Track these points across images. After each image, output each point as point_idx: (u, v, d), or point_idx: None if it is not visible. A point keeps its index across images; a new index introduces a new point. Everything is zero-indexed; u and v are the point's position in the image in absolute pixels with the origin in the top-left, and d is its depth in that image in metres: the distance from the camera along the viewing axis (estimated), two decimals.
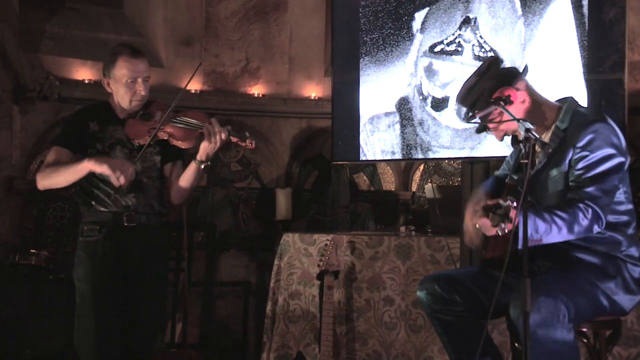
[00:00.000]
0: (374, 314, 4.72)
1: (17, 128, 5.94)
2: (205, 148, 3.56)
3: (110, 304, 3.59)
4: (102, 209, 3.62)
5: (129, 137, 3.63)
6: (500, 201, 2.81)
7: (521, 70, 3.31)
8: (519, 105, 3.23)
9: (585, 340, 3.27)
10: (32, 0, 6.15)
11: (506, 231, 2.84)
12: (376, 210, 6.65)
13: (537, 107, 3.27)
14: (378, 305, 4.71)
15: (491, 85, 3.22)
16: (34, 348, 5.11)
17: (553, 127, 3.25)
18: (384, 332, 4.69)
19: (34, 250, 5.33)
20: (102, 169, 3.48)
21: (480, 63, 3.44)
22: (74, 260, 3.67)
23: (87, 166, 3.51)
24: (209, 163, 3.61)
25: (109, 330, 3.57)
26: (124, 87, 3.61)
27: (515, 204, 2.81)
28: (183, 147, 3.62)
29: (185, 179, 3.67)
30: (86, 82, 6.14)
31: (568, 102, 3.29)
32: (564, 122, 3.23)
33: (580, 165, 3.12)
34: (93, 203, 3.63)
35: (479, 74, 3.27)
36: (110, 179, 3.48)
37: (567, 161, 3.16)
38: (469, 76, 3.31)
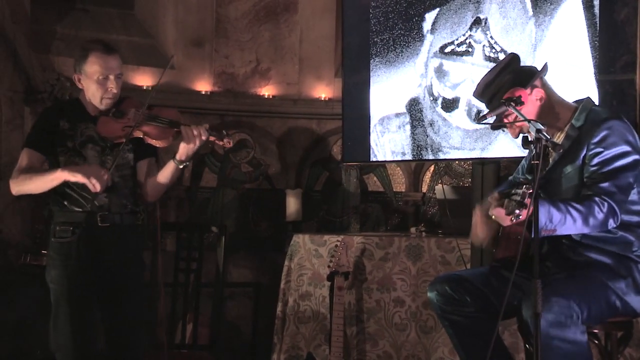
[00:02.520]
0: (384, 315, 4.72)
1: (28, 129, 5.94)
2: (185, 149, 3.52)
3: (86, 307, 3.51)
4: (76, 208, 3.54)
5: (100, 135, 3.55)
6: (516, 188, 2.81)
7: (540, 69, 3.30)
8: (535, 102, 3.22)
9: (596, 342, 3.26)
10: (43, 2, 6.16)
11: (520, 218, 2.82)
12: (386, 211, 6.64)
13: (552, 107, 3.25)
14: (388, 307, 4.70)
15: (510, 80, 3.21)
16: (45, 349, 5.12)
17: (568, 125, 3.23)
18: (394, 333, 4.68)
19: (45, 251, 5.34)
20: (76, 178, 3.42)
21: (491, 63, 3.43)
22: (47, 261, 3.59)
23: (61, 176, 3.45)
24: (187, 163, 3.59)
25: (86, 332, 3.50)
26: (95, 84, 3.52)
27: (530, 190, 2.79)
28: (158, 145, 3.57)
29: (164, 175, 3.62)
30: None
31: (584, 102, 3.28)
32: (579, 120, 3.21)
33: (595, 161, 3.10)
34: (66, 203, 3.55)
35: (499, 68, 3.26)
36: (87, 186, 3.42)
37: (581, 158, 3.14)
38: (487, 71, 3.30)
